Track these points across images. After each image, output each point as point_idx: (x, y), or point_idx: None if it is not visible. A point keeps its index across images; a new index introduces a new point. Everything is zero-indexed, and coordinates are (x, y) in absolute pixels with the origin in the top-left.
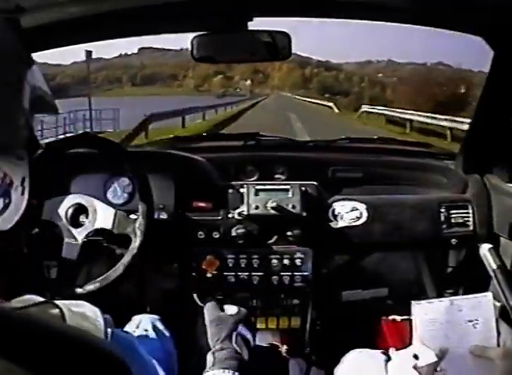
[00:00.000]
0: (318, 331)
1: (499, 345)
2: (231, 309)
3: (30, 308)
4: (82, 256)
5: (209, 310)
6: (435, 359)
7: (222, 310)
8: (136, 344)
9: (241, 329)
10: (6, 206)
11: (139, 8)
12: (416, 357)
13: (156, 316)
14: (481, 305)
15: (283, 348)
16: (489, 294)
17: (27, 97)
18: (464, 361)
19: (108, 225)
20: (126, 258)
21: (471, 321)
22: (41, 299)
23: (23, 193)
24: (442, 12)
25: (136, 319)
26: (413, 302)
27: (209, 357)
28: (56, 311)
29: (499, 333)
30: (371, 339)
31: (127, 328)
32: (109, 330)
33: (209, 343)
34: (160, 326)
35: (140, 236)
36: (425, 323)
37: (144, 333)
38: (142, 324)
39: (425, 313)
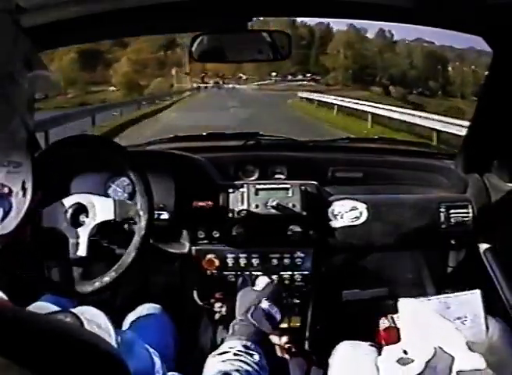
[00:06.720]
0: (318, 331)
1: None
2: (260, 284)
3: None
4: (90, 253)
5: (239, 285)
6: (424, 355)
7: (254, 284)
8: (140, 344)
9: (264, 304)
10: (6, 214)
11: (139, 9)
12: (405, 352)
13: (158, 306)
14: (470, 302)
15: (283, 348)
16: (477, 292)
17: (24, 98)
18: (452, 356)
19: (109, 216)
20: (136, 240)
21: (459, 318)
22: (54, 308)
23: (24, 195)
24: (442, 12)
25: (138, 308)
26: (400, 300)
27: (230, 329)
28: (74, 320)
29: (487, 328)
30: (370, 339)
31: (129, 317)
32: (118, 337)
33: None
34: (161, 316)
35: (145, 215)
36: (413, 321)
37: (146, 322)
38: (144, 314)
39: (413, 311)
